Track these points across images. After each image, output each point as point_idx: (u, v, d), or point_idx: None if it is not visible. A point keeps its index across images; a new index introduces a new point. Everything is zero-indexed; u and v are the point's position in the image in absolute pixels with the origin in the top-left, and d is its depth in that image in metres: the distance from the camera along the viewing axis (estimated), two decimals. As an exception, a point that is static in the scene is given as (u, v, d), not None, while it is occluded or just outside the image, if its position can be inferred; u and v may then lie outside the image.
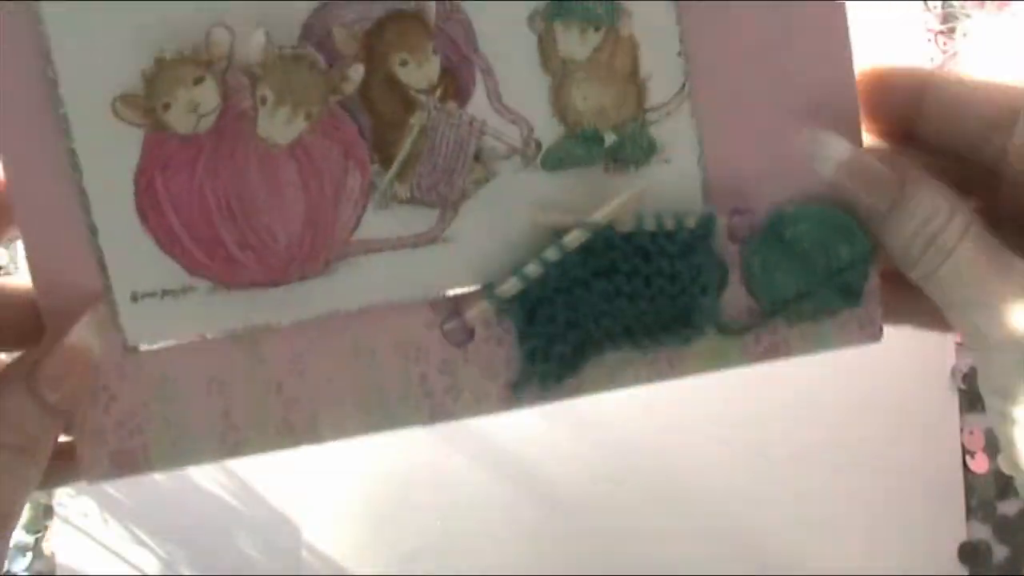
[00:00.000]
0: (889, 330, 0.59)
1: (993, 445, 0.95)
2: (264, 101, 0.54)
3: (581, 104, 0.55)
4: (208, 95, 0.53)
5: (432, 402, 0.58)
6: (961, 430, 0.96)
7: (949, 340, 0.94)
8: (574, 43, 0.55)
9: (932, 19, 0.65)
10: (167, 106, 0.53)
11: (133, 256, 0.56)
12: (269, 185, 0.55)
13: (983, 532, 0.97)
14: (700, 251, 0.56)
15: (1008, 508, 0.96)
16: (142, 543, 1.00)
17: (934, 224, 0.53)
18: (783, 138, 0.56)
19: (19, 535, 1.00)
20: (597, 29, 0.55)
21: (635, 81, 0.55)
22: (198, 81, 0.53)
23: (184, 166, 0.55)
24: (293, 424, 0.58)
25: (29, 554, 1.00)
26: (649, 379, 0.58)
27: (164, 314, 0.56)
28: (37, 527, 1.00)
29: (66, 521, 1.00)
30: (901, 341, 0.59)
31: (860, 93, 0.56)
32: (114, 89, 0.54)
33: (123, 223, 0.55)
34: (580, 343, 0.57)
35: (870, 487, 0.97)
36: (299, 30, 0.54)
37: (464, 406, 0.58)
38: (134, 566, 1.00)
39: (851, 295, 0.57)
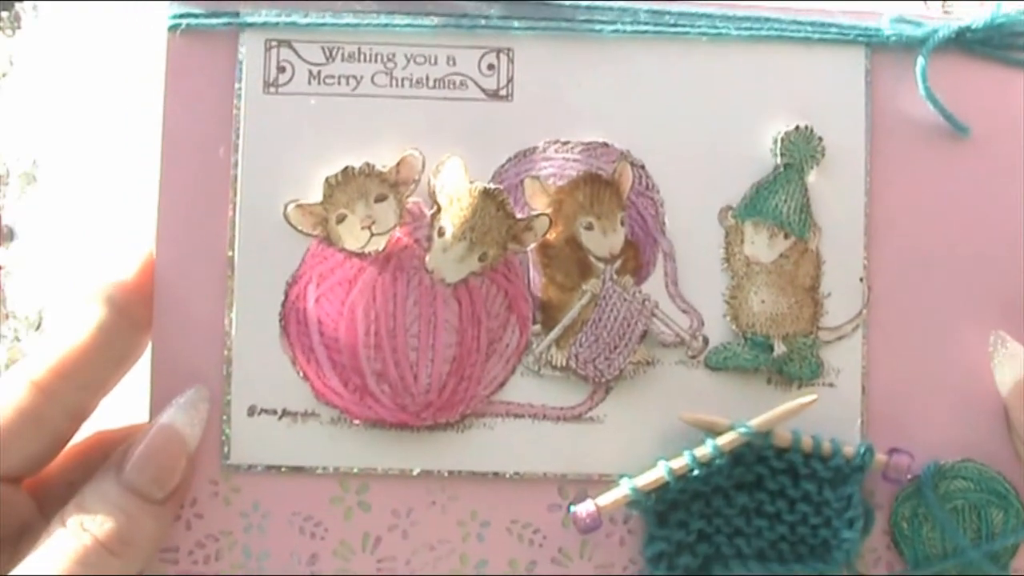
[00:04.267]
0: None
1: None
2: (442, 233, 0.51)
3: (757, 307, 0.53)
4: (387, 215, 0.51)
5: (536, 592, 0.53)
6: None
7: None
8: (762, 245, 0.54)
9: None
10: (342, 218, 0.51)
11: (262, 368, 0.52)
12: (424, 321, 0.52)
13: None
14: (852, 483, 0.53)
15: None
16: None
17: None
18: (952, 380, 0.54)
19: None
20: (787, 237, 0.54)
21: (814, 297, 0.54)
22: (380, 199, 0.51)
23: (341, 283, 0.52)
24: (379, 585, 0.53)
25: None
26: (771, 612, 0.54)
27: (277, 436, 0.52)
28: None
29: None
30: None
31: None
32: (291, 191, 0.52)
33: (262, 331, 0.52)
34: (708, 558, 0.53)
35: None
36: (491, 173, 0.53)
37: (568, 603, 0.53)
38: None
39: (997, 565, 0.54)
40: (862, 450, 0.53)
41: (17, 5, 0.71)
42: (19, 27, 0.71)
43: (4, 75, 0.70)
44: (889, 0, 0.56)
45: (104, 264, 0.57)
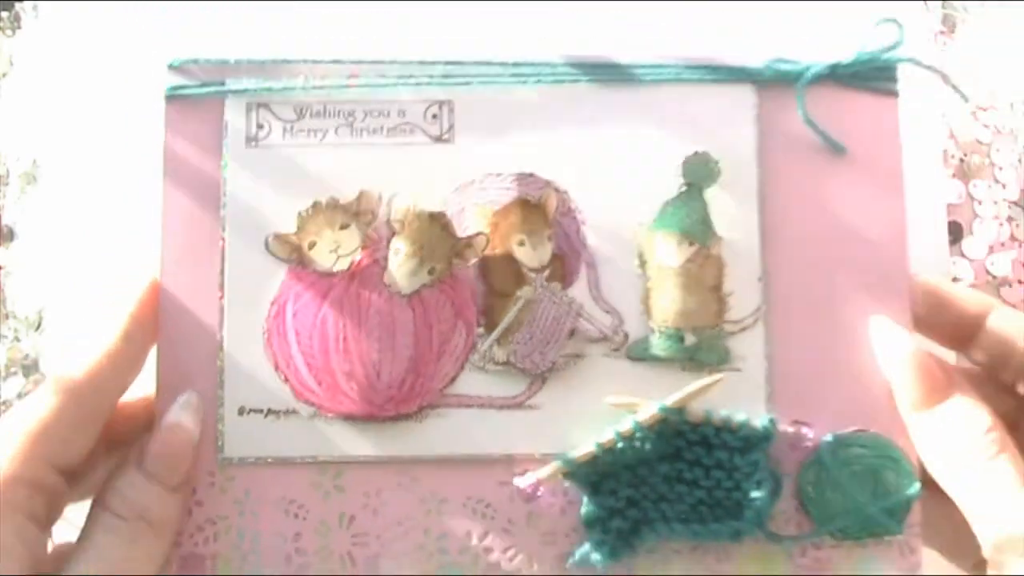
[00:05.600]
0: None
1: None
2: (397, 252, 0.61)
3: (669, 305, 0.62)
4: (350, 239, 0.61)
5: (489, 558, 0.61)
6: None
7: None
8: (671, 252, 0.63)
9: (933, 19, 0.66)
10: (313, 244, 0.61)
11: (250, 374, 0.62)
12: (384, 327, 0.62)
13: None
14: (758, 451, 0.60)
15: None
16: None
17: (972, 432, 0.58)
18: (845, 361, 0.62)
19: None
20: (691, 244, 0.63)
21: (718, 295, 0.63)
22: (344, 227, 0.61)
23: (314, 299, 0.62)
24: (356, 559, 0.61)
25: None
26: (697, 572, 0.62)
27: (264, 432, 0.61)
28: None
29: None
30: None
31: (923, 306, 0.63)
32: (271, 225, 0.62)
33: (248, 343, 0.62)
34: (637, 522, 0.61)
35: None
36: (437, 203, 0.63)
37: (517, 566, 0.61)
38: None
39: (893, 520, 0.61)
40: (767, 421, 0.61)
41: (17, 5, 0.74)
42: (19, 27, 0.74)
43: (4, 75, 0.74)
44: (888, 1, 0.65)
45: (103, 264, 0.63)
